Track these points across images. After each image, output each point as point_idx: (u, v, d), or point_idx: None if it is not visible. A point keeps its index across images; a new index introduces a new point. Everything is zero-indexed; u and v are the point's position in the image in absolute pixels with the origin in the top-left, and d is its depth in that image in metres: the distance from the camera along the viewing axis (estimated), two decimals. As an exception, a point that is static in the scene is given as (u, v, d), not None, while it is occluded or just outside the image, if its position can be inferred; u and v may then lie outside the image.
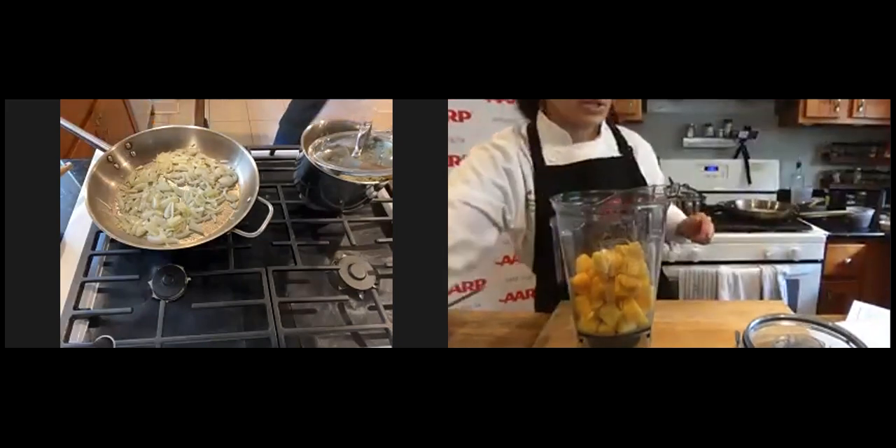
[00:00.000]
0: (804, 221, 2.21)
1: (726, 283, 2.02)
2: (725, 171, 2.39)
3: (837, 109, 2.20)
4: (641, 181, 1.07)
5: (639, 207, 0.81)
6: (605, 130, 1.08)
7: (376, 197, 1.17)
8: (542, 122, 1.04)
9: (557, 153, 1.02)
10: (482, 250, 0.94)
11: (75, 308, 0.86)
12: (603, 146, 1.06)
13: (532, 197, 1.01)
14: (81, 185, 1.09)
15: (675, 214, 1.15)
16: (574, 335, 0.85)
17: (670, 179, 0.81)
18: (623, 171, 1.07)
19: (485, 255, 0.96)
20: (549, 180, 1.00)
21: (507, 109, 2.00)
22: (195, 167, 1.06)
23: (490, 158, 0.99)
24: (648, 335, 0.84)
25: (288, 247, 1.02)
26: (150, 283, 0.91)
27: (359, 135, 1.04)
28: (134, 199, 1.01)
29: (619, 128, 1.11)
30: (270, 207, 0.98)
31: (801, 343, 0.73)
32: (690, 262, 1.98)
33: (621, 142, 1.08)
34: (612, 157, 1.06)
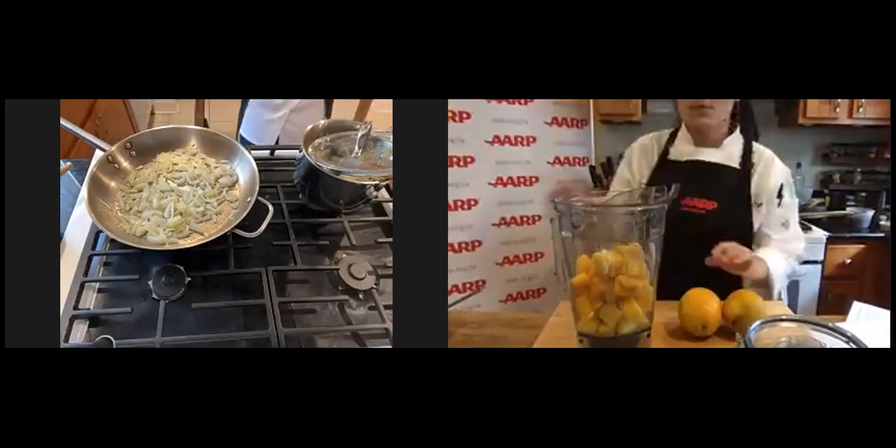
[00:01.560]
0: (804, 222, 2.21)
1: (726, 284, 2.02)
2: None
3: (837, 110, 2.20)
4: (743, 193, 1.15)
5: (639, 208, 0.81)
6: (733, 143, 1.17)
7: (376, 197, 1.16)
8: (681, 126, 1.21)
9: (680, 152, 1.19)
10: None
11: (75, 308, 0.86)
12: (722, 155, 1.17)
13: (644, 182, 1.21)
14: (81, 185, 1.09)
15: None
16: (574, 335, 0.85)
17: (667, 185, 0.81)
18: (730, 179, 1.15)
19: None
20: (665, 171, 1.18)
21: (507, 109, 2.00)
22: (195, 167, 1.06)
23: (629, 150, 1.26)
24: (648, 335, 0.84)
25: (288, 247, 1.02)
26: (150, 283, 0.91)
27: (359, 135, 1.04)
28: (134, 199, 1.01)
29: (756, 145, 1.18)
30: (270, 207, 0.98)
31: (802, 344, 0.73)
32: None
33: (746, 157, 1.16)
34: (724, 165, 1.16)
